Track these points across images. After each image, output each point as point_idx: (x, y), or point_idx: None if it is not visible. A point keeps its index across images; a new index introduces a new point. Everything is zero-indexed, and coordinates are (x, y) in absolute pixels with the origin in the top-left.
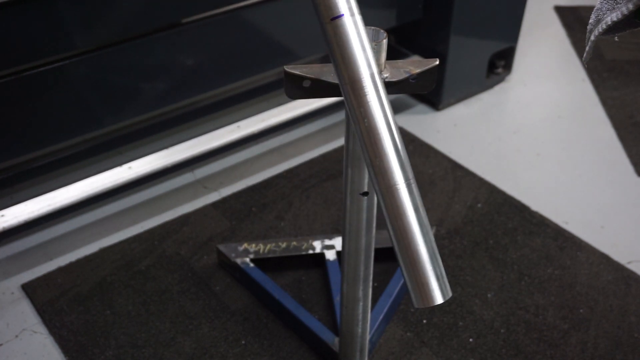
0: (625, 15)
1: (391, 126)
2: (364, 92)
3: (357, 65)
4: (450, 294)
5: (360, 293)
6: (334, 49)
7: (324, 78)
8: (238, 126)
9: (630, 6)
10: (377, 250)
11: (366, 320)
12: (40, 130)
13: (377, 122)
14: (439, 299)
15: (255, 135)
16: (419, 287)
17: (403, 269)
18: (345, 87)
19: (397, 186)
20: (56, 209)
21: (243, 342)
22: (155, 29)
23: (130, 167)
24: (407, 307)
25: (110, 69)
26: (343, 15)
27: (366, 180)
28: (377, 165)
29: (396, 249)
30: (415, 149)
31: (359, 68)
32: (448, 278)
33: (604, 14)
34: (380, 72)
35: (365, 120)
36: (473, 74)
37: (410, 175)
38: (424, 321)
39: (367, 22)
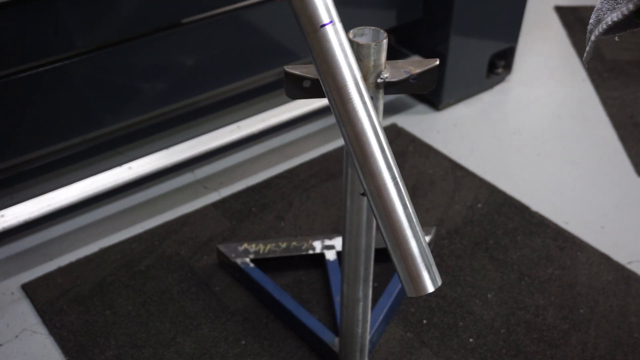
0: (626, 15)
1: (377, 129)
2: (349, 98)
3: (342, 72)
4: (439, 282)
5: (360, 293)
6: (318, 58)
7: None
8: (238, 126)
9: (631, 6)
10: (377, 250)
11: (366, 320)
12: (40, 130)
13: (364, 127)
14: (430, 288)
15: (255, 135)
16: (411, 279)
17: (395, 263)
18: (331, 93)
19: (386, 186)
20: (56, 209)
21: (243, 342)
22: (155, 29)
23: (130, 167)
24: (407, 307)
25: (110, 69)
26: (326, 24)
27: None
28: (365, 167)
29: (388, 244)
30: (415, 149)
31: (343, 75)
32: (448, 278)
33: (604, 14)
34: (363, 78)
35: (353, 124)
36: (473, 74)
37: (397, 174)
38: (424, 321)
39: (367, 22)
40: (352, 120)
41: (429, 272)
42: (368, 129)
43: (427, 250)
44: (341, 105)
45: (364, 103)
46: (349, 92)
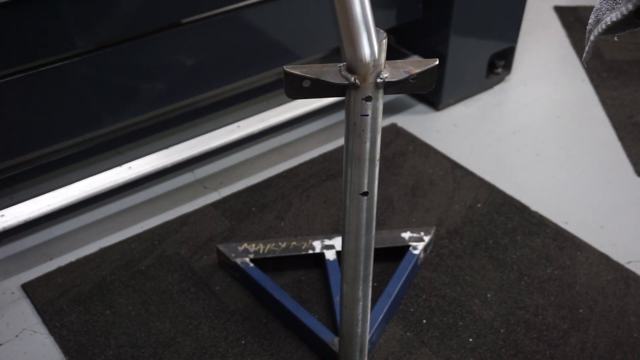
0: (625, 15)
1: None
2: None
3: None
4: (376, 56)
5: (360, 293)
6: None
7: (324, 78)
8: (238, 126)
9: (630, 6)
10: (377, 250)
11: (366, 320)
12: (40, 130)
13: None
14: (367, 57)
15: (255, 135)
16: (352, 44)
17: (340, 28)
18: None
19: None
20: (56, 209)
21: (243, 342)
22: (155, 29)
23: (130, 167)
24: (407, 307)
25: (110, 69)
26: None
27: (366, 180)
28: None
29: (337, 11)
30: (415, 149)
31: None
32: (448, 278)
33: (603, 14)
34: None
35: None
36: (473, 74)
37: None
38: (424, 321)
39: None
40: None
41: (369, 41)
42: None
43: (371, 24)
44: None
45: None
46: None
